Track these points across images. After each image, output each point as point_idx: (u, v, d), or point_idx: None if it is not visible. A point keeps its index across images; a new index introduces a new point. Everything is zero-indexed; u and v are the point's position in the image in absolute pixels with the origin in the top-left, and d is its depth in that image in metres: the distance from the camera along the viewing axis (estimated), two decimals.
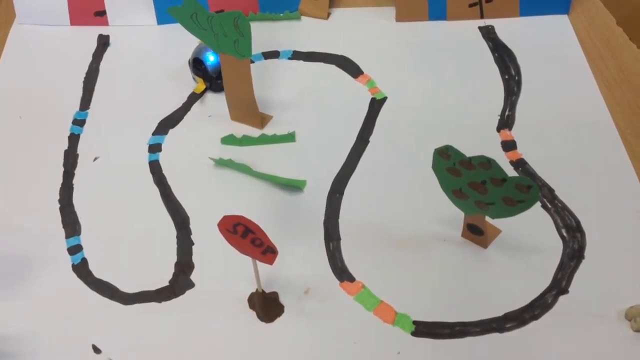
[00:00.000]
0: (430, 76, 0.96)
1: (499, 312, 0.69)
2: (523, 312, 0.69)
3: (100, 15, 1.05)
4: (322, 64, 0.99)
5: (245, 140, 0.88)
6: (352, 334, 0.68)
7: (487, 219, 0.72)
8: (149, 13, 1.05)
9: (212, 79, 0.93)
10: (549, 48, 0.99)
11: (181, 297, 0.72)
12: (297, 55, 1.00)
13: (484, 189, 0.66)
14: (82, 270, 0.75)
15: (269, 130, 0.89)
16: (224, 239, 0.65)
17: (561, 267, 0.72)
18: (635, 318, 0.67)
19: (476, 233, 0.74)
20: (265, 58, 1.00)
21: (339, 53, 1.00)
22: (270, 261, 0.63)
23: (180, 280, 0.73)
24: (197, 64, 0.93)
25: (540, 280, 0.71)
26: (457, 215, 0.73)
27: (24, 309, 0.71)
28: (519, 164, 0.83)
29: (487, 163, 0.63)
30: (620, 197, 0.79)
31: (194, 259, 0.75)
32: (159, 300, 0.72)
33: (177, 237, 0.78)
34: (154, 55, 1.02)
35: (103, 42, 1.03)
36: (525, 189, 0.63)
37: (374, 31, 1.04)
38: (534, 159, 0.83)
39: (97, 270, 0.75)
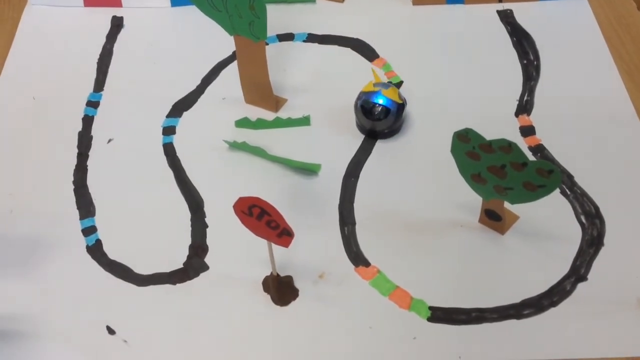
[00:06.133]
0: (447, 60, 0.94)
1: (516, 299, 0.68)
2: (541, 299, 0.68)
3: None
4: (337, 47, 0.98)
5: (260, 124, 0.87)
6: (368, 319, 0.68)
7: (505, 204, 0.71)
8: None
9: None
10: (569, 32, 0.97)
11: (195, 279, 0.72)
12: (312, 38, 0.99)
13: (504, 174, 0.65)
14: (96, 251, 0.75)
15: (283, 113, 0.88)
16: (239, 222, 0.64)
17: (580, 254, 0.72)
18: None
19: (494, 219, 0.73)
20: (280, 41, 0.99)
21: (355, 36, 0.98)
22: (286, 244, 0.63)
23: (195, 263, 0.73)
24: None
25: (558, 267, 0.71)
26: (474, 201, 0.72)
27: (38, 290, 0.71)
28: (538, 150, 0.82)
29: (507, 147, 0.62)
30: None
31: (208, 241, 0.75)
32: (173, 282, 0.72)
33: (192, 219, 0.77)
34: (168, 37, 1.01)
35: (117, 24, 1.02)
36: (547, 173, 0.62)
37: (390, 14, 1.02)
38: (553, 144, 0.82)
39: (112, 251, 0.75)
